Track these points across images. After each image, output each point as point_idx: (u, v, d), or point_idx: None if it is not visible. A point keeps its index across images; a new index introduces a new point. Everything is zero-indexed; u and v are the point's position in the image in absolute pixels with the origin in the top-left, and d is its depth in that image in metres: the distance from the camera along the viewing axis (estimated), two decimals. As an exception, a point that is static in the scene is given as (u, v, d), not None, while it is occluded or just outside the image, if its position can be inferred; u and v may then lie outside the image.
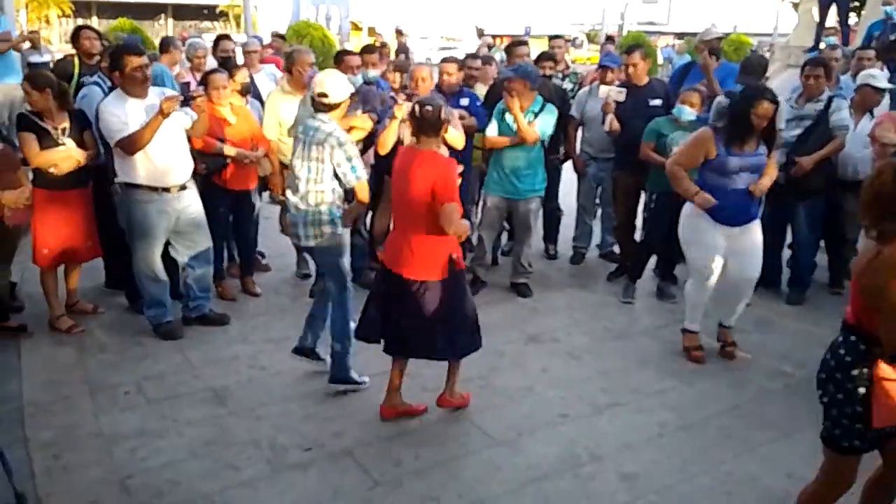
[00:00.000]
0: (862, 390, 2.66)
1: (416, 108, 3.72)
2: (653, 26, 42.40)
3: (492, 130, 5.61)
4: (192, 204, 4.96)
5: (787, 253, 6.17)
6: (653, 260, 6.09)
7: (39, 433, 3.88)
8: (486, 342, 5.02)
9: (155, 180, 4.72)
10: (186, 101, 4.55)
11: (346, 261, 4.25)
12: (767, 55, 12.06)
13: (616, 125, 5.84)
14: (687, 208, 4.79)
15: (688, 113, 5.38)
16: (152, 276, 4.93)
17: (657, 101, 5.74)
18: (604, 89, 5.94)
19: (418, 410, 4.10)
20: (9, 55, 7.29)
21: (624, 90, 5.82)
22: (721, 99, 5.69)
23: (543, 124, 5.55)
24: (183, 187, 4.87)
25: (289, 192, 4.18)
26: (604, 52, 7.63)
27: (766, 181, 4.66)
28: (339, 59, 5.72)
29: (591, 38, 39.04)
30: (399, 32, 17.64)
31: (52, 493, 3.41)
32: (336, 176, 4.05)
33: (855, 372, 2.67)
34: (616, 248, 6.76)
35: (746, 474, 3.66)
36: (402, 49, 14.95)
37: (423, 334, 3.87)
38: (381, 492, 3.48)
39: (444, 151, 3.86)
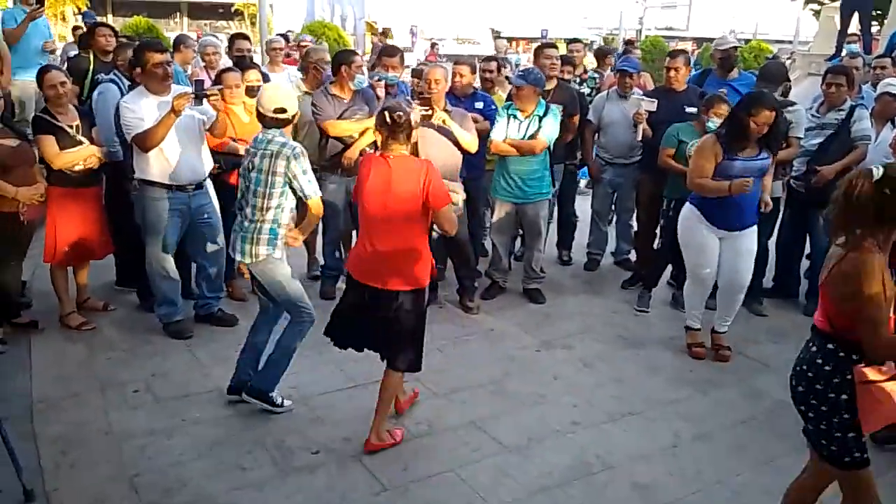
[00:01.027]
0: (845, 397, 2.62)
1: (387, 114, 3.59)
2: (672, 31, 42.19)
3: (498, 133, 5.56)
4: (207, 203, 4.95)
5: (805, 263, 6.09)
6: (668, 268, 6.02)
7: (48, 429, 3.86)
8: (498, 347, 5.04)
9: (169, 178, 4.72)
10: (200, 98, 4.52)
11: (291, 283, 4.01)
12: (788, 63, 11.97)
13: (649, 132, 5.81)
14: (685, 211, 4.89)
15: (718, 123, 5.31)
16: (164, 274, 4.92)
17: (693, 109, 5.66)
18: (635, 100, 5.89)
19: (398, 441, 3.88)
20: (26, 50, 7.29)
21: (655, 101, 5.77)
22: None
23: (548, 129, 5.51)
24: (199, 186, 4.85)
25: (241, 209, 4.02)
26: (622, 58, 7.57)
27: (767, 195, 4.82)
28: (344, 60, 5.65)
29: (607, 43, 38.98)
30: (384, 33, 16.58)
31: (61, 488, 3.39)
32: (291, 189, 3.90)
33: (836, 379, 2.63)
34: (631, 256, 6.70)
35: (761, 486, 3.59)
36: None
37: (394, 344, 3.74)
38: (389, 497, 3.44)
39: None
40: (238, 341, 4.90)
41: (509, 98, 5.85)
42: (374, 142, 4.94)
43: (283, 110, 3.88)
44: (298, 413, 4.11)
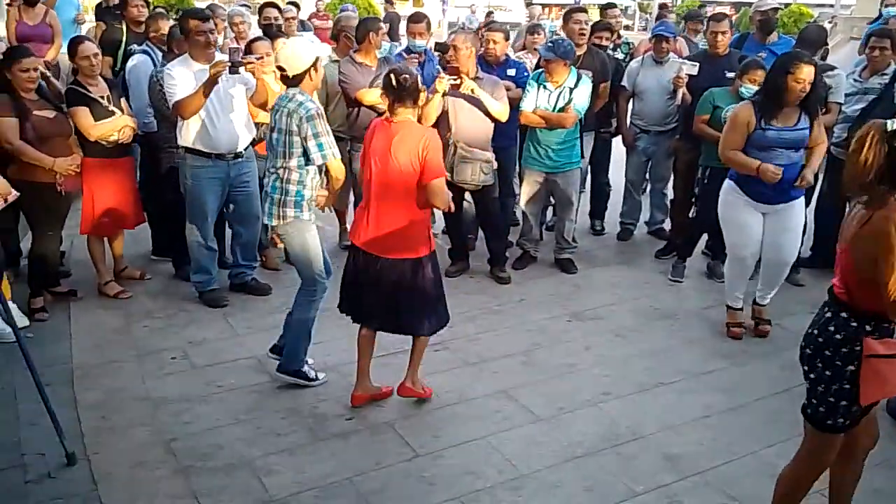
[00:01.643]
0: (851, 368, 2.57)
1: (392, 77, 3.53)
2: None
3: (528, 103, 5.49)
4: (247, 172, 4.98)
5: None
6: (703, 238, 5.94)
7: (88, 395, 3.96)
8: (529, 318, 5.04)
9: (209, 146, 4.76)
10: (237, 66, 4.53)
11: (314, 250, 3.94)
12: (829, 27, 11.63)
13: (688, 97, 5.70)
14: (725, 186, 4.66)
15: (754, 91, 5.19)
16: (202, 242, 4.99)
17: (733, 74, 5.53)
18: (675, 63, 5.77)
19: (387, 394, 3.96)
20: (65, 23, 7.36)
21: (697, 65, 5.66)
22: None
23: (580, 101, 5.42)
24: (238, 155, 4.89)
25: (266, 170, 3.98)
26: (658, 21, 7.41)
27: (810, 171, 4.46)
28: (371, 27, 5.60)
29: (643, 9, 38.12)
30: (389, 1, 16.03)
31: (100, 452, 3.48)
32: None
33: (845, 349, 2.58)
34: (665, 225, 6.62)
35: (773, 413, 3.60)
36: (390, 19, 13.16)
37: (398, 312, 3.72)
38: (422, 463, 3.47)
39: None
40: (271, 310, 5.00)
41: (538, 66, 5.77)
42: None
43: (282, 69, 3.77)
44: (331, 380, 4.16)
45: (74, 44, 4.88)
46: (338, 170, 3.87)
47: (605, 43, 6.38)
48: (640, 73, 6.22)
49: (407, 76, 3.52)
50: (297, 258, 4.02)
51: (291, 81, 3.79)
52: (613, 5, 7.60)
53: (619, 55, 7.04)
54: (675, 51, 6.52)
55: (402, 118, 3.57)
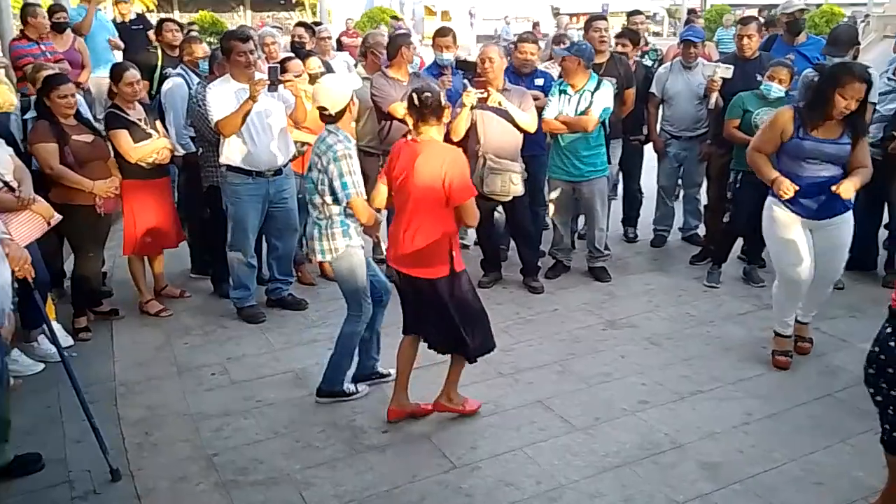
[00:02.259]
0: None
1: (415, 96, 3.53)
2: (737, -1, 40.64)
3: (551, 111, 5.50)
4: (286, 189, 5.08)
5: (883, 234, 5.86)
6: (738, 242, 5.87)
7: (131, 412, 4.05)
8: (563, 327, 5.02)
9: (249, 163, 4.86)
10: (275, 84, 4.64)
11: (361, 274, 3.96)
12: (862, 25, 11.46)
13: (721, 103, 5.66)
14: (768, 203, 4.35)
15: (776, 90, 5.15)
16: (242, 258, 5.08)
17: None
18: (710, 66, 5.73)
19: (426, 410, 3.93)
20: (94, 48, 7.58)
21: (731, 67, 5.62)
22: (809, 72, 5.43)
23: (600, 105, 5.41)
24: (278, 172, 4.97)
25: (310, 205, 3.99)
26: (686, 26, 7.37)
27: (851, 184, 3.99)
28: (402, 42, 5.67)
29: (672, 15, 37.89)
30: (393, 18, 15.83)
31: (144, 468, 3.55)
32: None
33: None
34: (700, 231, 6.56)
35: (837, 465, 3.50)
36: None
37: (440, 330, 3.75)
38: (458, 474, 3.48)
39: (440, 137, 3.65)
40: (308, 325, 5.07)
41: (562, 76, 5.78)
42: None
43: (324, 108, 3.82)
44: (368, 392, 4.20)
45: (120, 70, 4.96)
46: (359, 207, 3.82)
47: (623, 50, 6.34)
48: (668, 79, 6.20)
49: (429, 94, 3.53)
50: (345, 282, 4.01)
51: (333, 119, 3.84)
52: (639, 12, 7.58)
53: (648, 62, 7.02)
54: (704, 55, 6.49)
55: (426, 137, 3.59)
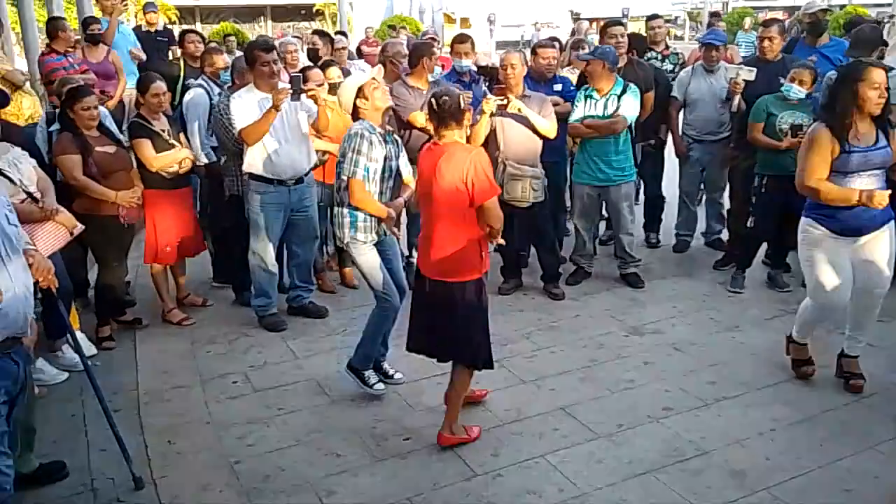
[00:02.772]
0: None
1: (433, 101, 3.54)
2: (760, 1, 40.33)
3: (576, 116, 5.48)
4: (307, 197, 5.11)
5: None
6: (763, 247, 5.80)
7: (154, 420, 4.07)
8: (586, 333, 4.99)
9: (272, 172, 4.89)
10: (298, 94, 4.67)
11: (370, 270, 4.10)
12: (888, 26, 11.30)
13: (743, 106, 5.60)
14: (803, 225, 4.04)
15: (797, 91, 5.09)
16: (263, 266, 5.10)
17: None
18: (732, 69, 5.68)
19: (471, 439, 3.79)
20: (123, 59, 7.67)
21: (754, 70, 5.56)
22: (832, 74, 5.35)
23: (628, 108, 5.38)
24: (300, 180, 5.00)
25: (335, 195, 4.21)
26: (708, 30, 7.32)
27: (881, 191, 3.76)
28: (425, 52, 5.67)
29: (693, 18, 37.69)
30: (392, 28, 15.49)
31: (167, 475, 3.57)
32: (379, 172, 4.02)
33: None
34: (723, 235, 6.49)
35: (867, 472, 3.44)
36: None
37: (436, 335, 3.70)
38: (481, 482, 3.46)
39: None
40: (329, 332, 5.08)
41: (584, 81, 5.75)
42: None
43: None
44: (390, 400, 4.19)
45: (147, 81, 5.04)
46: (353, 188, 3.96)
47: (634, 57, 6.28)
48: (691, 83, 6.15)
49: (447, 98, 3.53)
50: (362, 275, 4.27)
51: (353, 116, 4.09)
52: (658, 16, 7.53)
53: (668, 66, 6.97)
54: (726, 59, 6.43)
55: (448, 140, 3.58)
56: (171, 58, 8.11)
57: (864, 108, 3.76)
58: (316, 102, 4.88)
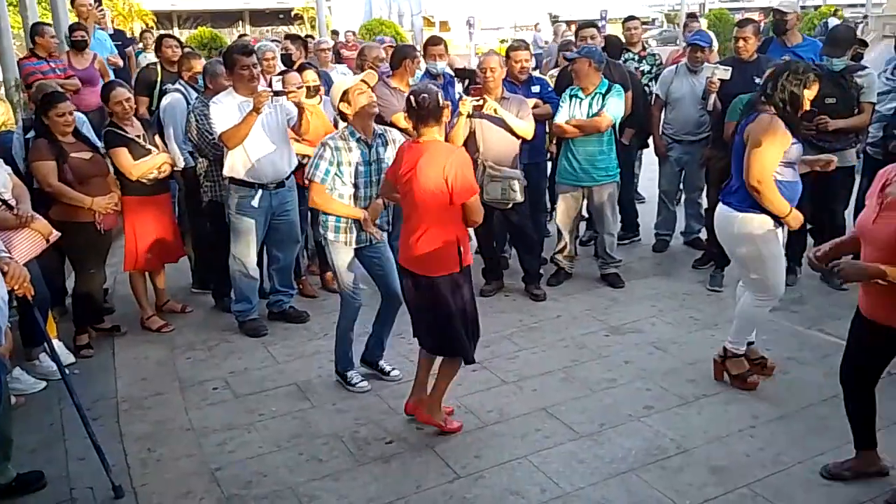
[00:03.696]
0: None
1: (412, 98, 3.57)
2: (736, 2, 40.68)
3: (562, 116, 5.50)
4: (289, 201, 5.09)
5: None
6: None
7: (133, 428, 4.03)
8: (567, 334, 5.01)
9: (252, 176, 4.87)
10: (279, 95, 4.66)
11: (340, 269, 4.23)
12: (861, 27, 11.47)
13: (719, 105, 5.64)
14: (759, 220, 3.94)
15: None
16: (244, 271, 5.07)
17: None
18: (708, 67, 5.72)
19: (446, 428, 3.86)
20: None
21: (730, 69, 5.60)
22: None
23: (613, 107, 5.41)
24: (280, 184, 4.98)
25: None
26: (689, 31, 7.38)
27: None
28: (407, 54, 5.69)
29: (670, 20, 37.96)
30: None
31: (147, 484, 3.53)
32: (338, 176, 4.09)
33: None
34: (702, 235, 6.54)
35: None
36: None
37: (434, 330, 3.77)
38: (463, 484, 3.46)
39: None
40: (310, 337, 5.05)
41: (567, 82, 5.77)
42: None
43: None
44: (371, 404, 4.18)
45: (106, 90, 5.03)
46: (312, 191, 4.11)
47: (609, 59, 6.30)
48: (673, 82, 6.19)
49: (426, 95, 3.55)
50: (334, 272, 4.38)
51: (340, 118, 4.24)
52: (634, 17, 7.60)
53: (646, 66, 7.02)
54: (709, 61, 6.48)
55: (428, 138, 3.60)
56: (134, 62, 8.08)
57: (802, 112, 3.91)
58: (298, 105, 4.86)
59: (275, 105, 4.81)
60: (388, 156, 4.12)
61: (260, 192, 4.90)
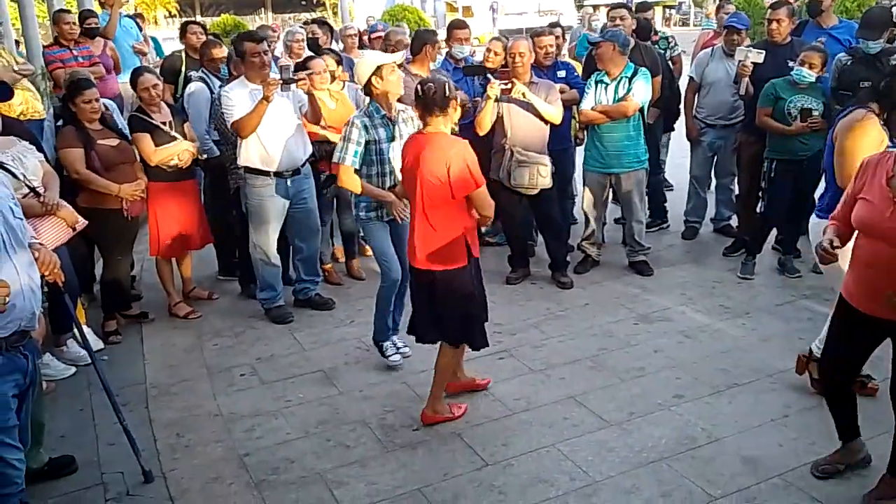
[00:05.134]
0: None
1: (418, 88, 3.55)
2: (766, -15, 39.88)
3: (587, 102, 5.42)
4: (305, 189, 5.06)
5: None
6: (773, 232, 5.75)
7: (162, 414, 4.06)
8: (594, 322, 4.95)
9: (267, 164, 4.86)
10: (288, 83, 4.63)
11: (380, 246, 4.27)
12: (894, 8, 11.19)
13: (751, 89, 5.51)
14: (815, 220, 3.75)
15: (807, 74, 5.02)
16: (266, 259, 5.07)
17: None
18: (741, 51, 5.61)
19: (455, 417, 3.86)
20: (126, 54, 7.63)
21: (763, 52, 5.46)
22: (842, 56, 5.29)
23: (639, 92, 5.32)
24: (296, 172, 4.97)
25: None
26: (725, 13, 7.26)
27: None
28: (428, 39, 5.65)
29: (697, 4, 37.44)
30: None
31: (176, 469, 3.56)
32: (363, 156, 4.13)
33: None
34: (732, 222, 6.44)
35: (881, 456, 3.36)
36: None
37: (446, 321, 3.71)
38: (491, 471, 3.44)
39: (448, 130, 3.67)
40: (336, 324, 5.05)
41: (592, 67, 5.69)
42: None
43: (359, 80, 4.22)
44: (398, 391, 4.17)
45: (135, 75, 5.04)
46: (340, 173, 4.15)
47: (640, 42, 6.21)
48: (709, 65, 6.07)
49: (431, 85, 3.52)
50: (372, 249, 4.49)
51: (365, 91, 4.21)
52: (647, 4, 7.51)
53: (658, 50, 6.92)
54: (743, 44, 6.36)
55: (434, 129, 3.56)
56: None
57: None
58: (306, 92, 4.82)
59: (285, 93, 4.79)
60: (408, 132, 4.08)
61: (275, 180, 4.89)
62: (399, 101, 4.29)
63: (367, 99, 4.22)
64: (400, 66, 5.56)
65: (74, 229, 3.99)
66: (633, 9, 7.76)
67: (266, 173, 4.87)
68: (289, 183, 4.94)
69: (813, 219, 3.92)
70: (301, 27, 7.58)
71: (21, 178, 3.89)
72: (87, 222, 4.06)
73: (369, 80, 4.08)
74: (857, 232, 3.01)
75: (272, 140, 4.80)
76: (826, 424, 3.66)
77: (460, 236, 3.57)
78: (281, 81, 4.60)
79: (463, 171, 3.43)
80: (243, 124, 4.67)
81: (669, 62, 6.76)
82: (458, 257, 3.59)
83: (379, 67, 4.06)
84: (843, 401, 3.31)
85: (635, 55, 5.79)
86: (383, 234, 4.27)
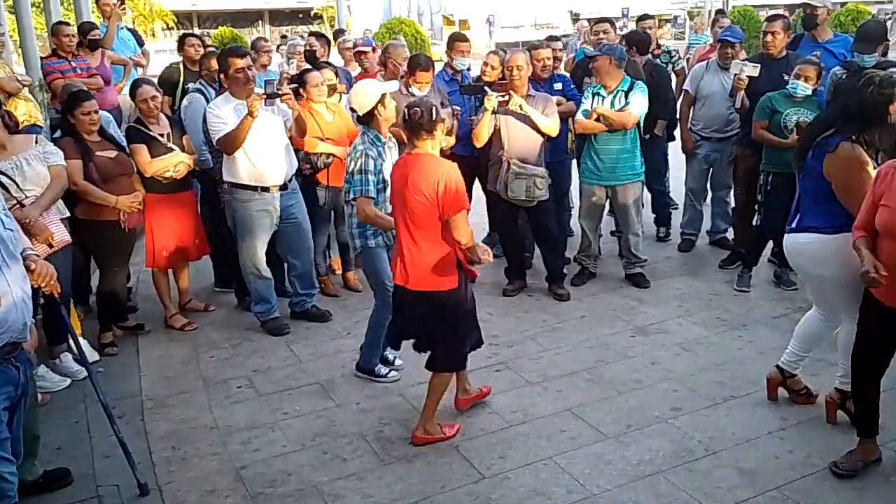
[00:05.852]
0: None
1: (405, 111, 3.57)
2: (762, -1, 40.14)
3: (582, 114, 5.45)
4: (293, 203, 5.05)
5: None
6: (769, 245, 5.76)
7: (158, 426, 4.04)
8: (591, 334, 4.96)
9: (254, 180, 4.84)
10: (273, 98, 4.63)
11: (386, 271, 4.15)
12: (889, 23, 11.30)
13: (747, 101, 5.54)
14: (840, 240, 3.44)
15: (802, 88, 5.06)
16: (257, 273, 5.06)
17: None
18: (736, 64, 5.64)
19: (447, 437, 3.81)
20: (118, 66, 7.64)
21: (758, 66, 5.50)
22: (837, 70, 5.33)
23: (637, 105, 5.34)
24: (283, 187, 4.96)
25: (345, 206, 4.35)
26: (717, 26, 7.31)
27: None
28: (416, 64, 5.65)
29: (692, 17, 37.64)
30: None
31: (172, 482, 3.53)
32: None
33: None
34: (729, 234, 6.46)
35: (878, 470, 3.40)
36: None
37: (428, 343, 3.76)
38: (488, 484, 3.43)
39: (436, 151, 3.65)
40: (333, 336, 5.04)
41: (583, 75, 5.74)
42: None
43: (353, 110, 4.16)
44: (395, 403, 4.16)
45: (135, 86, 5.06)
46: (359, 206, 4.04)
47: (633, 58, 6.23)
48: (704, 78, 6.11)
49: (417, 108, 3.53)
50: (368, 276, 4.41)
51: (362, 120, 4.14)
52: (648, 16, 7.55)
53: (660, 63, 6.97)
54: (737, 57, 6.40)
55: (421, 150, 3.57)
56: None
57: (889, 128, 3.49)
58: (290, 107, 4.83)
59: (270, 107, 4.78)
60: (392, 157, 4.13)
61: (263, 195, 4.87)
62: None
63: (362, 128, 4.18)
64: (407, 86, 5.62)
65: (51, 246, 3.96)
66: (635, 20, 7.82)
67: (253, 188, 4.85)
68: (276, 198, 4.93)
69: (794, 238, 3.78)
70: (296, 38, 7.63)
71: (13, 191, 3.87)
72: (65, 240, 4.03)
73: (374, 108, 4.07)
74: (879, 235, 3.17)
75: (260, 155, 4.79)
76: (823, 436, 3.68)
77: (448, 257, 3.56)
78: (265, 95, 4.60)
79: (451, 191, 3.44)
80: (228, 141, 4.66)
81: (673, 75, 6.80)
82: (448, 279, 3.58)
83: (384, 95, 4.09)
84: (871, 396, 3.41)
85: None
86: (385, 259, 4.21)
